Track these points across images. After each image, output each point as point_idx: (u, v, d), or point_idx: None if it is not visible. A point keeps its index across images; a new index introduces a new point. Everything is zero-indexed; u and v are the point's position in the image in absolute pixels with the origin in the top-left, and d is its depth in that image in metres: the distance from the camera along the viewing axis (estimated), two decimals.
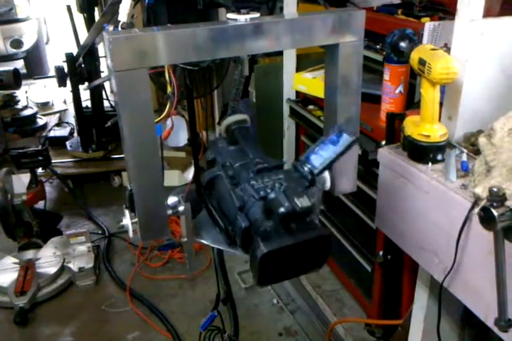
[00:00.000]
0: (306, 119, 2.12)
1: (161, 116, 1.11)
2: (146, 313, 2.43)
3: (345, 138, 1.02)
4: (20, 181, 2.73)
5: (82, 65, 3.26)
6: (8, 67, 3.87)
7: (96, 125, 3.55)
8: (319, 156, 1.02)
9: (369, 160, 1.62)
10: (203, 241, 1.11)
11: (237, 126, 1.20)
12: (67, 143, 3.73)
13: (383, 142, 1.42)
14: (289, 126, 2.35)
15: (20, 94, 4.59)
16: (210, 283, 2.54)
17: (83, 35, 3.08)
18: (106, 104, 3.52)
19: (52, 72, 3.82)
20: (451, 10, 1.35)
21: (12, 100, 4.46)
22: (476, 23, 1.12)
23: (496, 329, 0.96)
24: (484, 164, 1.02)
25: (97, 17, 3.19)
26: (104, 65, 3.11)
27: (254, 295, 2.52)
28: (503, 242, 0.91)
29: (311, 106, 2.15)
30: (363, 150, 1.63)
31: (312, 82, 2.04)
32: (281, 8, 2.13)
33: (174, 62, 0.98)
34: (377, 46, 1.71)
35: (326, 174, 1.05)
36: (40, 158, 2.77)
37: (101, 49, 3.37)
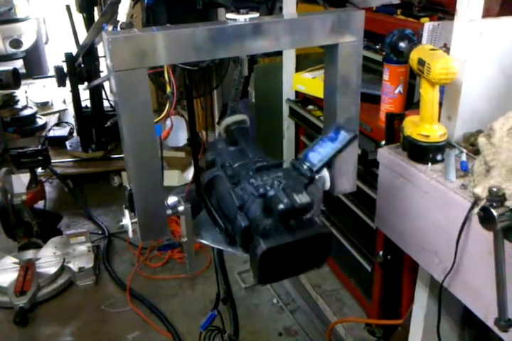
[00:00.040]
0: (306, 119, 2.11)
1: (161, 116, 1.11)
2: (146, 313, 2.43)
3: (344, 135, 1.02)
4: (20, 181, 2.72)
5: (82, 65, 3.26)
6: (8, 66, 3.86)
7: (95, 125, 3.55)
8: (317, 154, 1.02)
9: (369, 160, 1.62)
10: (203, 241, 1.11)
11: (236, 127, 1.20)
12: (67, 143, 3.72)
13: (383, 142, 1.42)
14: (288, 126, 2.35)
15: (19, 93, 4.58)
16: (210, 282, 2.54)
17: (82, 35, 3.08)
18: (105, 103, 3.51)
19: (51, 72, 3.82)
20: (451, 10, 1.35)
21: (11, 100, 4.46)
22: (475, 23, 1.12)
23: (495, 329, 0.96)
24: (484, 164, 1.02)
25: (96, 17, 3.18)
26: (103, 65, 3.12)
27: (254, 295, 2.52)
28: (502, 242, 0.91)
29: (310, 107, 2.15)
30: (362, 150, 1.63)
31: (312, 82, 2.04)
32: (281, 8, 2.13)
33: (173, 62, 0.98)
34: (377, 46, 1.71)
35: (326, 174, 1.05)
36: (40, 157, 2.76)
37: (100, 49, 3.36)
